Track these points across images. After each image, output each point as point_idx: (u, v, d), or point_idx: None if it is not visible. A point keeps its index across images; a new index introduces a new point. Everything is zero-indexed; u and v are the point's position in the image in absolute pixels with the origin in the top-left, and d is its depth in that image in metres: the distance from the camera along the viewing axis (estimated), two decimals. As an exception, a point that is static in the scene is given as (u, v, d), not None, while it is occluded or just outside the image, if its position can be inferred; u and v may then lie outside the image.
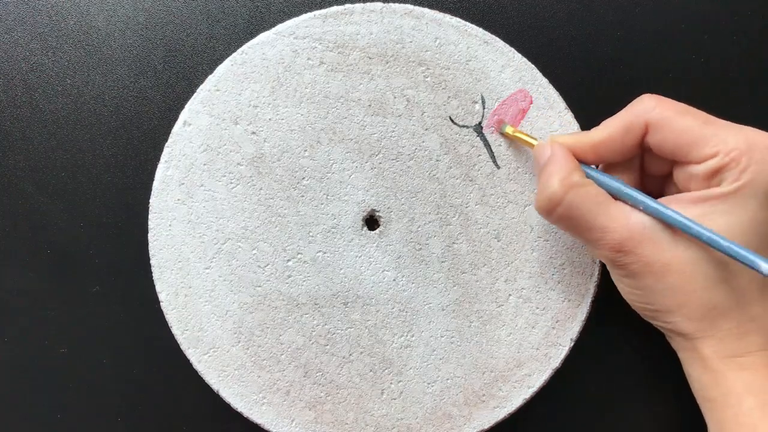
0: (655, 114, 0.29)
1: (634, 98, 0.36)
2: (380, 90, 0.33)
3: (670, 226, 0.28)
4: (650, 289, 0.29)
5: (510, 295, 0.33)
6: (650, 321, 0.31)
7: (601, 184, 0.29)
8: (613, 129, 0.29)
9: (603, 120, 0.37)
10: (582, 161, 0.30)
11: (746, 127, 0.28)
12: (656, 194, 0.30)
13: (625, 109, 0.30)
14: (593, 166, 0.30)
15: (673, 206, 0.28)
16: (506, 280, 0.33)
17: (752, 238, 0.27)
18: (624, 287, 0.30)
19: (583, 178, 0.29)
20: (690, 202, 0.28)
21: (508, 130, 0.33)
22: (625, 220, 0.28)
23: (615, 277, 0.30)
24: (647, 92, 0.36)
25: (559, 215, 0.29)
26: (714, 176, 0.28)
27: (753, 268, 0.26)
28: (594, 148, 0.30)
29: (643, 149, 0.30)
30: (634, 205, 0.29)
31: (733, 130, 0.28)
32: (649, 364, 0.36)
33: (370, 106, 0.33)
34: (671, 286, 0.28)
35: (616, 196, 0.29)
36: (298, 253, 0.33)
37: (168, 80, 0.36)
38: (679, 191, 0.30)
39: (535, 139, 0.32)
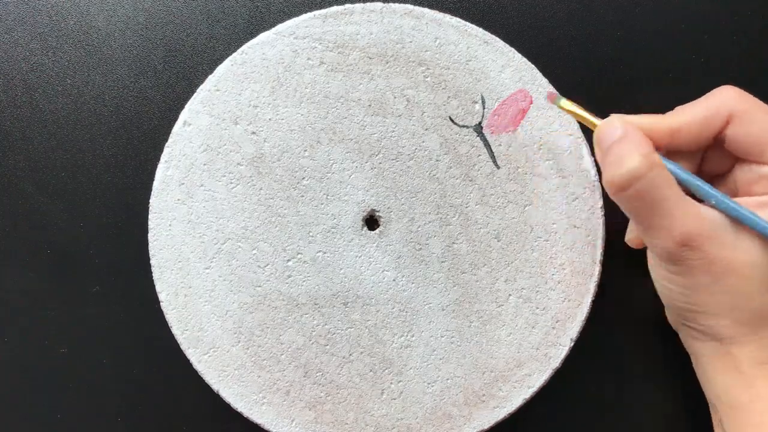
0: (740, 106, 0.28)
1: (634, 98, 0.36)
2: (380, 90, 0.33)
3: (734, 226, 0.27)
4: (704, 289, 0.28)
5: (510, 295, 0.33)
6: (682, 322, 0.30)
7: (672, 173, 0.28)
8: (693, 116, 0.28)
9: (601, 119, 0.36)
10: (655, 145, 0.28)
11: None
12: None
13: (705, 97, 0.28)
14: (660, 152, 0.28)
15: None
16: (506, 280, 0.33)
17: None
18: (670, 284, 0.29)
19: (661, 160, 0.27)
20: (755, 205, 0.27)
21: (564, 104, 0.30)
22: (695, 212, 0.27)
23: (661, 273, 0.29)
24: (647, 92, 0.36)
25: (634, 194, 0.27)
26: None
27: None
28: (671, 134, 0.28)
29: (713, 143, 0.29)
30: (704, 198, 0.27)
31: None
32: (649, 364, 0.36)
33: (370, 106, 0.33)
34: (727, 287, 0.27)
35: (683, 187, 0.28)
36: (298, 253, 0.33)
37: (168, 80, 0.36)
38: (731, 191, 0.30)
39: (598, 118, 0.29)
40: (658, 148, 0.28)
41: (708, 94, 0.29)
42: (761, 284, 0.27)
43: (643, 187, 0.27)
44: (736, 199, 0.28)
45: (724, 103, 0.28)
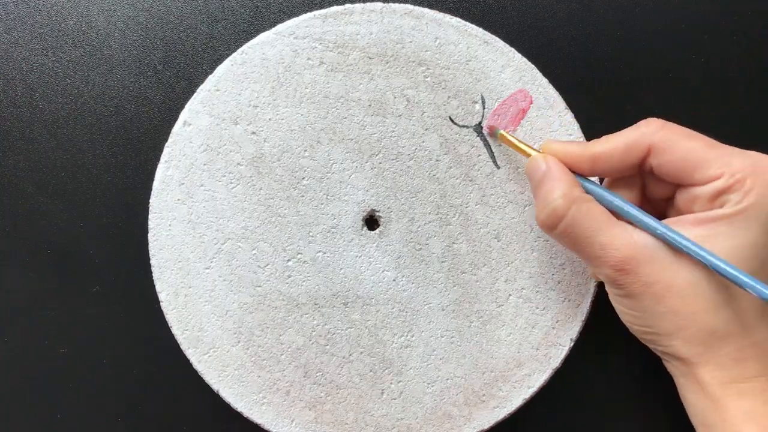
0: (659, 136, 0.28)
1: (634, 98, 0.36)
2: (380, 90, 0.33)
3: (672, 247, 0.28)
4: (650, 311, 0.28)
5: (510, 295, 0.33)
6: (648, 345, 0.31)
7: (602, 201, 0.29)
8: (614, 144, 0.29)
9: (602, 120, 0.37)
10: (577, 172, 0.30)
11: (751, 151, 0.28)
12: (657, 217, 0.29)
13: (629, 128, 0.30)
14: (595, 181, 0.30)
15: (675, 227, 0.28)
16: (506, 280, 0.33)
17: (754, 261, 0.27)
18: (622, 309, 0.30)
19: (583, 192, 0.29)
20: (692, 223, 0.28)
21: (502, 134, 0.32)
22: (627, 238, 0.28)
23: (613, 298, 0.30)
24: (647, 92, 0.36)
25: (562, 230, 0.29)
26: (717, 198, 0.28)
27: (754, 293, 0.26)
28: (592, 160, 0.29)
29: (645, 172, 0.30)
30: (636, 223, 0.28)
31: (738, 153, 0.28)
32: (649, 365, 0.36)
33: (370, 106, 0.33)
34: (671, 308, 0.28)
35: (617, 214, 0.29)
36: (298, 253, 0.33)
37: (168, 80, 0.36)
38: (677, 212, 0.30)
39: (531, 147, 0.31)
40: (582, 174, 0.30)
41: (634, 125, 0.30)
42: (706, 303, 0.27)
43: (567, 225, 0.28)
44: (675, 218, 0.28)
45: (643, 135, 0.29)
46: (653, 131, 0.29)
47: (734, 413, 0.28)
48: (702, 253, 0.27)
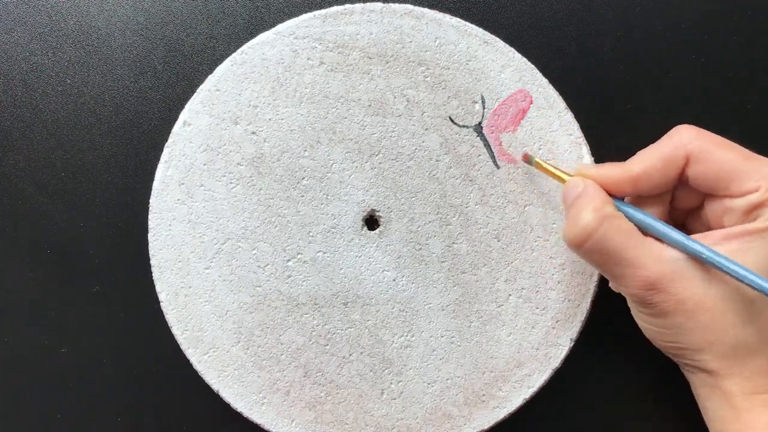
0: (696, 145, 0.28)
1: (634, 98, 0.36)
2: (380, 90, 0.33)
3: (702, 263, 0.27)
4: (680, 327, 0.28)
5: (510, 295, 0.33)
6: (673, 358, 0.30)
7: (631, 218, 0.29)
8: (652, 161, 0.29)
9: (602, 120, 0.36)
10: (618, 195, 0.29)
11: None
12: (680, 227, 0.29)
13: (661, 140, 0.29)
14: (623, 200, 0.30)
15: (704, 243, 0.27)
16: (506, 280, 0.33)
17: None
18: (649, 326, 0.29)
19: (615, 210, 0.28)
20: (723, 238, 0.27)
21: (537, 161, 0.32)
22: (657, 256, 0.28)
23: (640, 315, 0.30)
24: (647, 92, 0.36)
25: (590, 248, 0.28)
26: (752, 211, 0.27)
27: None
28: (633, 182, 0.29)
29: (678, 182, 0.29)
30: (666, 240, 0.28)
31: None
32: (649, 364, 0.36)
33: (370, 106, 0.33)
34: (702, 324, 0.27)
35: (645, 231, 0.29)
36: (298, 253, 0.33)
37: (168, 80, 0.36)
38: (705, 225, 0.30)
39: (566, 174, 0.31)
40: (625, 195, 0.29)
41: (665, 136, 0.29)
42: (736, 317, 0.27)
43: (597, 242, 0.28)
44: (704, 234, 0.28)
45: (680, 146, 0.28)
46: (688, 140, 0.28)
47: (755, 424, 0.28)
48: (736, 268, 0.26)
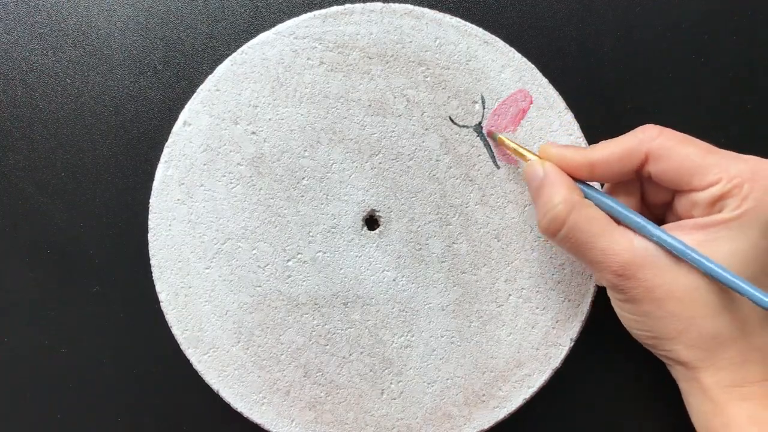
0: (656, 144, 0.29)
1: (634, 98, 0.36)
2: (380, 90, 0.33)
3: (671, 252, 0.28)
4: (651, 315, 0.28)
5: (510, 295, 0.33)
6: (651, 349, 0.31)
7: (602, 206, 0.29)
8: (611, 151, 0.29)
9: (602, 120, 0.36)
10: (575, 177, 0.30)
11: (749, 155, 0.28)
12: (657, 222, 0.29)
13: (627, 134, 0.30)
14: (596, 186, 0.30)
15: (674, 233, 0.28)
16: (506, 280, 0.33)
17: (753, 265, 0.27)
18: (624, 313, 0.30)
19: (582, 198, 0.29)
20: (692, 228, 0.28)
21: (501, 138, 0.32)
22: (628, 243, 0.28)
23: (615, 302, 0.30)
24: (647, 92, 0.36)
25: (563, 236, 0.29)
26: (716, 203, 0.28)
27: (751, 300, 0.26)
28: (590, 166, 0.30)
29: (644, 178, 0.30)
30: (636, 229, 0.29)
31: (736, 159, 0.28)
32: (649, 364, 0.36)
33: (370, 106, 0.33)
34: (672, 312, 0.28)
35: (617, 219, 0.29)
36: (298, 253, 0.33)
37: (168, 80, 0.36)
38: (677, 217, 0.30)
39: (529, 151, 0.31)
40: (579, 179, 0.30)
41: (631, 132, 0.30)
42: (706, 308, 0.28)
43: (568, 230, 0.29)
44: (675, 224, 0.29)
45: (641, 142, 0.29)
46: (650, 138, 0.29)
47: (737, 417, 0.28)
48: (699, 258, 0.27)
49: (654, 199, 0.31)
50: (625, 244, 0.28)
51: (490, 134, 0.33)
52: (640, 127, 0.30)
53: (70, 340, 0.36)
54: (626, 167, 0.29)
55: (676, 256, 0.28)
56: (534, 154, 0.31)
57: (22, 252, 0.36)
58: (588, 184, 0.30)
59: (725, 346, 0.28)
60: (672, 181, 0.29)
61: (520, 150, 0.32)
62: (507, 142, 0.32)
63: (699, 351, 0.28)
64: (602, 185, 0.33)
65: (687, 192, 0.29)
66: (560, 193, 0.29)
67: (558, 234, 0.29)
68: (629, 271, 0.28)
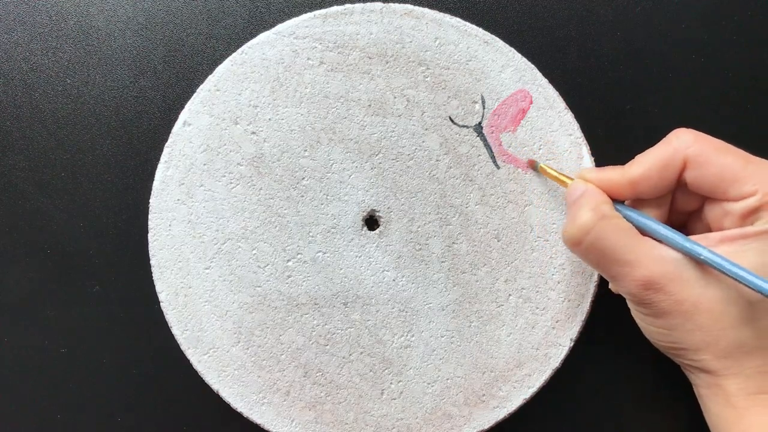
0: (694, 150, 0.28)
1: (634, 98, 0.36)
2: (380, 90, 0.33)
3: (700, 264, 0.27)
4: (678, 327, 0.28)
5: (510, 295, 0.33)
6: (673, 358, 0.30)
7: (630, 219, 0.29)
8: (650, 164, 0.29)
9: (602, 120, 0.36)
10: (618, 197, 0.30)
11: None
12: (681, 229, 0.29)
13: (660, 143, 0.29)
14: (623, 203, 0.30)
15: (702, 244, 0.28)
16: (506, 280, 0.33)
17: None
18: (648, 326, 0.30)
19: (612, 210, 0.29)
20: (721, 240, 0.28)
21: (542, 167, 0.32)
22: (655, 255, 0.28)
23: (639, 315, 0.30)
24: (647, 92, 0.36)
25: (588, 246, 0.28)
26: (750, 215, 0.28)
27: None
28: (631, 185, 0.29)
29: (677, 186, 0.30)
30: (664, 241, 0.28)
31: None
32: (649, 365, 0.36)
33: (370, 106, 0.33)
34: (700, 325, 0.27)
35: (644, 231, 0.29)
36: (298, 253, 0.33)
37: (168, 80, 0.36)
38: (705, 227, 0.30)
39: (569, 178, 0.31)
40: (624, 199, 0.30)
41: (664, 140, 0.29)
42: (735, 318, 0.27)
43: (594, 239, 0.28)
44: (703, 236, 0.28)
45: (678, 150, 0.29)
46: (686, 145, 0.28)
47: (757, 423, 0.28)
48: (734, 269, 0.26)
49: (682, 206, 0.31)
50: (653, 256, 0.28)
51: (531, 164, 0.33)
52: (673, 132, 0.29)
53: (70, 340, 0.36)
54: (667, 178, 0.29)
55: (703, 268, 0.27)
56: (572, 179, 0.31)
57: (22, 252, 0.36)
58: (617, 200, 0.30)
59: (752, 355, 0.28)
60: (708, 190, 0.29)
61: (561, 177, 0.32)
62: (549, 170, 0.32)
63: (726, 360, 0.28)
64: None
65: (720, 201, 0.29)
66: (591, 203, 0.29)
67: (583, 242, 0.28)
68: (657, 284, 0.27)
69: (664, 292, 0.27)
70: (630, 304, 0.30)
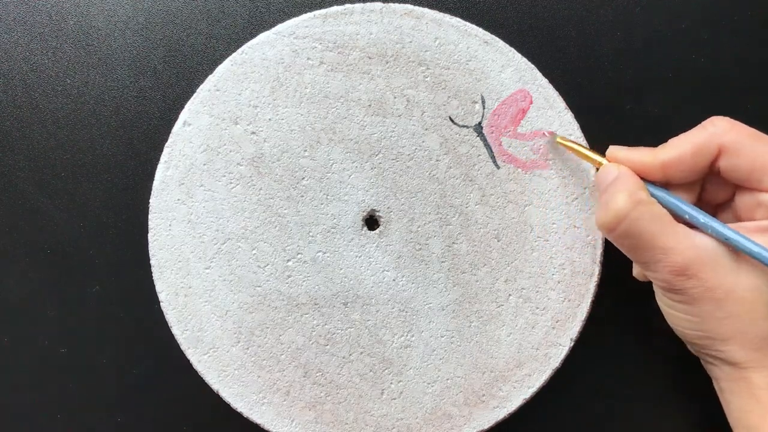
0: (729, 138, 0.28)
1: (634, 98, 0.36)
2: (380, 90, 0.33)
3: (734, 252, 0.27)
4: (708, 315, 0.28)
5: (510, 295, 0.33)
6: (699, 349, 0.30)
7: (664, 204, 0.29)
8: (683, 149, 0.29)
9: (602, 120, 0.36)
10: (647, 179, 0.29)
11: None
12: None
13: (695, 129, 0.29)
14: (656, 185, 0.30)
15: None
16: (506, 280, 0.33)
17: None
18: (676, 313, 0.29)
19: (648, 196, 0.28)
20: (755, 230, 0.27)
21: (559, 139, 0.32)
22: (689, 242, 0.27)
23: (667, 302, 0.30)
24: (647, 92, 0.36)
25: (622, 232, 0.28)
26: None
27: None
28: (662, 168, 0.29)
29: (709, 174, 0.29)
30: (700, 227, 0.28)
31: None
32: (649, 364, 0.36)
33: (370, 106, 0.33)
34: (731, 313, 0.27)
35: (678, 217, 0.28)
36: (298, 253, 0.33)
37: (168, 80, 0.36)
38: (736, 217, 0.30)
39: (599, 155, 0.31)
40: (653, 181, 0.29)
41: (699, 126, 0.29)
42: (766, 309, 0.27)
43: (630, 225, 0.28)
44: (735, 225, 0.28)
45: (713, 136, 0.28)
46: (722, 132, 0.28)
47: None
48: None
49: (713, 197, 0.30)
50: (688, 243, 0.27)
51: (551, 135, 0.32)
52: (709, 119, 0.29)
53: (70, 340, 0.36)
54: (699, 164, 0.29)
55: (737, 255, 0.27)
56: (602, 156, 0.31)
57: (22, 252, 0.36)
58: (651, 183, 0.29)
59: None
60: (742, 178, 0.28)
61: (585, 152, 0.31)
62: (571, 144, 0.31)
63: (753, 352, 0.28)
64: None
65: (754, 191, 0.28)
66: (626, 189, 0.28)
67: (618, 228, 0.28)
68: (691, 270, 0.27)
69: (698, 278, 0.27)
70: (658, 292, 0.30)
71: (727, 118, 0.29)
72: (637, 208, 0.28)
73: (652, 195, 0.29)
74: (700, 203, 0.31)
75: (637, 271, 0.33)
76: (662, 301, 0.30)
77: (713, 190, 0.30)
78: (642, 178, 0.29)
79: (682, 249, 0.27)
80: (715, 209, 0.31)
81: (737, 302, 0.27)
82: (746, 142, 0.28)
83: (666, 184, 0.30)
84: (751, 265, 0.27)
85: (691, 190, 0.30)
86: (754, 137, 0.28)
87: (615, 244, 0.30)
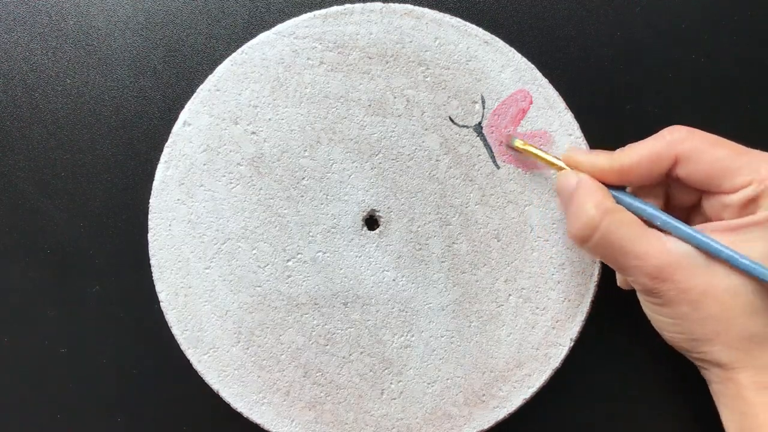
0: (686, 146, 0.28)
1: (634, 98, 0.36)
2: (380, 90, 0.33)
3: (707, 253, 0.27)
4: (687, 317, 0.28)
5: (510, 295, 0.33)
6: (685, 353, 0.30)
7: (632, 210, 0.29)
8: (640, 156, 0.29)
9: (602, 120, 0.36)
10: (604, 183, 0.30)
11: None
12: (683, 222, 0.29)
13: (654, 136, 0.29)
14: (625, 190, 0.30)
15: (706, 233, 0.28)
16: (506, 280, 0.33)
17: None
18: (658, 317, 0.30)
19: (614, 203, 0.29)
20: (723, 230, 0.28)
21: (518, 143, 0.32)
22: (661, 246, 0.28)
23: (649, 307, 0.30)
24: (647, 92, 0.36)
25: (596, 242, 0.28)
26: (748, 205, 0.28)
27: None
28: (619, 171, 0.29)
29: (671, 180, 0.30)
30: (670, 231, 0.28)
31: (766, 159, 0.28)
32: (649, 364, 0.36)
33: (370, 106, 0.33)
34: (709, 314, 0.27)
35: (648, 222, 0.29)
36: (298, 253, 0.33)
37: (168, 80, 0.36)
38: (706, 219, 0.30)
39: (555, 157, 0.31)
40: (608, 185, 0.30)
41: (658, 134, 0.29)
42: (744, 308, 0.27)
43: (602, 236, 0.28)
44: (704, 225, 0.28)
45: (670, 145, 0.29)
46: (679, 140, 0.28)
47: None
48: (739, 258, 0.26)
49: (680, 201, 0.31)
50: (659, 247, 0.28)
51: (508, 140, 0.33)
52: (668, 128, 0.29)
53: (70, 340, 0.36)
54: (656, 171, 0.29)
55: (710, 257, 0.27)
56: (558, 158, 0.31)
57: (22, 252, 0.36)
58: (617, 188, 0.30)
59: (764, 347, 0.28)
60: (701, 184, 0.29)
61: (545, 157, 0.31)
62: (528, 148, 0.32)
63: (737, 352, 0.28)
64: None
65: (717, 194, 0.29)
66: (593, 199, 0.28)
67: (591, 240, 0.28)
68: (665, 274, 0.27)
69: (672, 281, 0.27)
70: (640, 297, 0.30)
71: (686, 127, 0.29)
72: (606, 218, 0.28)
73: (619, 201, 0.29)
74: (671, 207, 0.31)
75: (620, 280, 0.33)
76: (645, 306, 0.30)
77: (680, 195, 0.31)
78: (601, 182, 0.30)
79: (654, 253, 0.28)
80: (687, 212, 0.31)
81: (713, 303, 0.27)
82: (703, 148, 0.28)
83: (634, 189, 0.30)
84: (724, 266, 0.27)
85: (657, 195, 0.30)
86: (711, 143, 0.28)
87: (590, 254, 0.30)
